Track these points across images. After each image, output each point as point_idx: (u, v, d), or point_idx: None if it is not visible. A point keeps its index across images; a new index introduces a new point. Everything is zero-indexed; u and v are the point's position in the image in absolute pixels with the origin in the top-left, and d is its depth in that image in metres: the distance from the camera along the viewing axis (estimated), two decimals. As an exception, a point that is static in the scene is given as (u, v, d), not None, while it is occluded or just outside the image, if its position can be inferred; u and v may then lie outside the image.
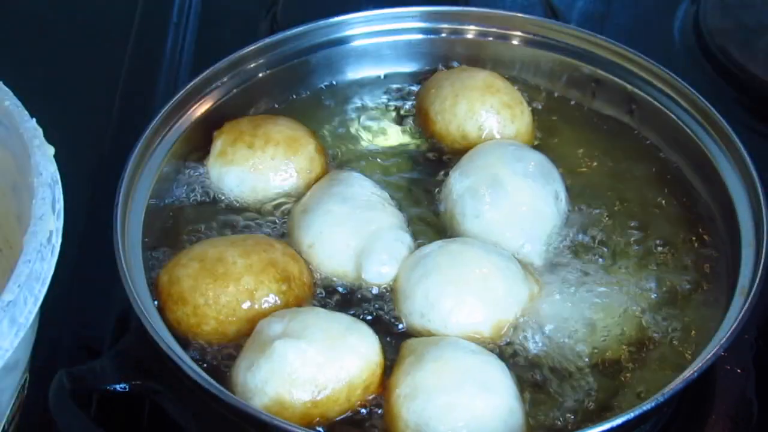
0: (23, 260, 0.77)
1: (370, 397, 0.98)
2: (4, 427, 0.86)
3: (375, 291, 1.08)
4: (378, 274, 1.07)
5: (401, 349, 1.01)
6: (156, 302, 1.03)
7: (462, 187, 1.13)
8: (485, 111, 1.21)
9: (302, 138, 1.19)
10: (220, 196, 1.17)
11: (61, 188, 0.84)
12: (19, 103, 0.90)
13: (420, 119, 1.26)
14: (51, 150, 0.86)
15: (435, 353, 0.97)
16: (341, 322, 0.99)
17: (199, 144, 1.19)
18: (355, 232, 1.09)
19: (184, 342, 1.01)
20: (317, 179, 1.17)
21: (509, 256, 1.08)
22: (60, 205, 0.83)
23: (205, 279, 1.02)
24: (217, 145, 1.17)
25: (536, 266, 1.10)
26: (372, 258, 1.07)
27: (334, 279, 1.09)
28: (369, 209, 1.11)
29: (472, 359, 0.97)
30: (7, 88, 0.91)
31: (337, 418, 0.97)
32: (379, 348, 1.00)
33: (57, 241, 0.80)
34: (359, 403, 0.97)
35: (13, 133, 0.89)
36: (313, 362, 0.95)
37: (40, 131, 0.87)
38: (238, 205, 1.16)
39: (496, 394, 0.95)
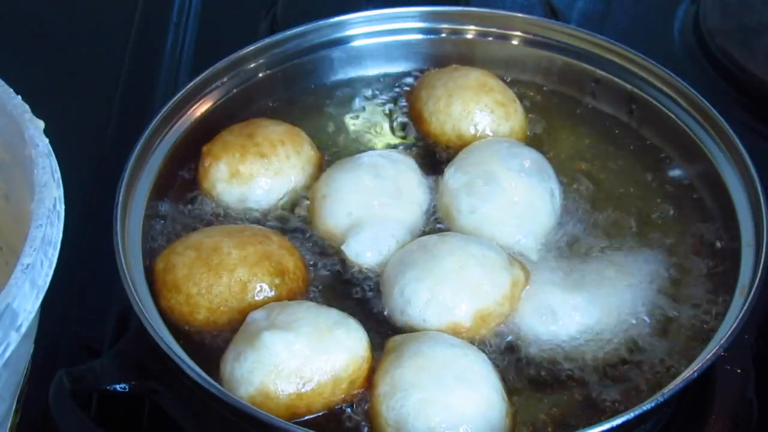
0: (35, 226, 0.79)
1: (356, 392, 0.99)
2: (19, 397, 0.87)
3: (371, 289, 1.08)
4: (356, 253, 1.08)
5: (385, 345, 1.01)
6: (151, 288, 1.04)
7: (457, 183, 1.13)
8: (480, 110, 1.21)
9: (294, 129, 1.20)
10: (244, 213, 1.15)
11: (61, 175, 0.86)
12: (2, 82, 0.91)
13: (413, 120, 1.27)
14: (41, 124, 0.88)
15: (414, 349, 0.97)
16: (330, 316, 1.00)
17: (199, 144, 1.19)
18: (364, 206, 1.11)
19: (179, 331, 1.02)
20: (319, 164, 1.19)
21: (490, 245, 1.07)
22: (58, 174, 0.85)
23: (200, 269, 1.02)
24: (222, 170, 1.14)
25: (532, 261, 1.10)
26: (358, 236, 1.09)
27: (326, 243, 1.11)
28: (392, 196, 1.12)
29: (450, 352, 0.97)
30: None
31: (322, 412, 0.97)
32: (367, 343, 1.00)
33: (61, 208, 0.83)
34: (345, 397, 0.98)
35: None
36: (299, 354, 0.95)
37: (27, 107, 0.89)
38: (260, 216, 1.15)
39: (474, 388, 0.94)
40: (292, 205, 1.16)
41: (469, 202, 1.12)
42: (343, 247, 1.09)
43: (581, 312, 1.05)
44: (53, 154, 0.86)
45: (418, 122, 1.26)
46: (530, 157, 1.16)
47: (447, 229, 1.13)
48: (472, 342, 1.02)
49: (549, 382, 1.00)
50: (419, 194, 1.15)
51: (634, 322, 1.05)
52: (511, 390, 0.99)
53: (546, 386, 1.00)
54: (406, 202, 1.13)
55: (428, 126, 1.24)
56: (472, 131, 1.21)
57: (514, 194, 1.12)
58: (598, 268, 1.09)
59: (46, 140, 0.86)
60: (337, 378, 0.96)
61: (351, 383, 0.98)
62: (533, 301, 1.05)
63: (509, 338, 1.04)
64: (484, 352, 1.01)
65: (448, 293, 1.02)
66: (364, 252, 1.09)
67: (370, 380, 0.99)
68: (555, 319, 1.04)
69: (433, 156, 1.23)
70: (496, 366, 1.00)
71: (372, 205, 1.11)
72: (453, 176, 1.15)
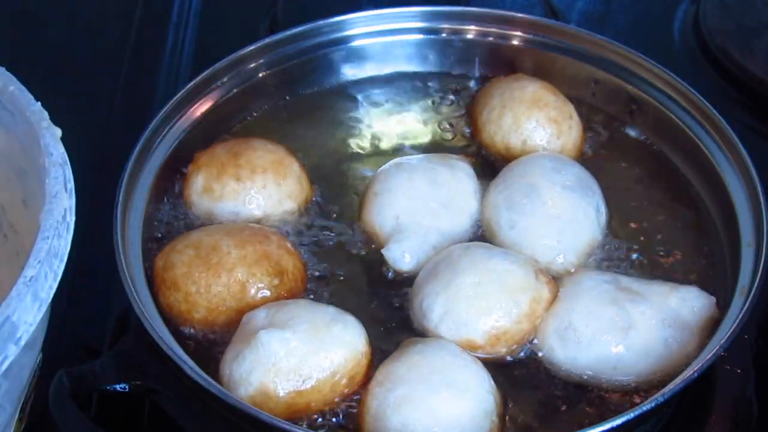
0: (41, 237, 0.78)
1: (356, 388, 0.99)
2: (22, 405, 0.87)
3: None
4: (394, 259, 1.09)
5: (402, 343, 1.01)
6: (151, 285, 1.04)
7: (498, 197, 1.12)
8: (530, 125, 1.19)
9: (285, 159, 1.16)
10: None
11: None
12: (23, 88, 0.91)
13: (472, 127, 1.26)
14: (58, 131, 0.87)
15: (418, 349, 0.98)
16: (327, 313, 1.00)
17: (199, 144, 1.19)
18: (413, 213, 1.11)
19: (179, 331, 1.02)
20: (306, 199, 1.16)
21: (515, 258, 1.05)
22: (71, 184, 0.84)
23: (199, 267, 1.03)
24: (199, 181, 1.13)
25: (570, 274, 1.07)
26: (401, 243, 1.09)
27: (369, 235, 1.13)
28: (443, 204, 1.12)
29: (450, 360, 0.96)
30: (10, 74, 0.92)
31: (323, 409, 0.97)
32: (365, 339, 1.00)
33: (71, 219, 0.82)
34: (345, 393, 0.98)
35: (18, 118, 0.90)
36: (297, 352, 0.95)
37: (46, 114, 0.88)
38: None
39: (460, 397, 0.94)
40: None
41: (509, 217, 1.10)
42: (383, 251, 1.09)
43: (605, 337, 1.00)
44: (68, 163, 0.85)
45: (473, 128, 1.25)
46: (574, 172, 1.14)
47: (490, 241, 1.12)
48: (488, 358, 1.01)
49: (553, 408, 0.99)
50: (472, 203, 1.14)
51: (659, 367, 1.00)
52: (513, 410, 0.98)
53: (547, 412, 0.99)
54: (456, 211, 1.12)
55: (480, 135, 1.23)
56: (521, 145, 1.20)
57: (556, 209, 1.09)
58: (598, 270, 1.09)
59: (62, 149, 0.85)
60: (336, 374, 0.97)
61: (351, 379, 0.98)
62: (557, 320, 1.02)
63: (525, 357, 1.02)
64: (503, 368, 1.00)
65: (462, 310, 1.01)
66: (403, 259, 1.09)
67: (370, 375, 0.99)
68: (576, 341, 1.01)
69: (492, 164, 1.22)
70: (506, 387, 0.99)
71: (421, 212, 1.11)
72: (495, 190, 1.14)
